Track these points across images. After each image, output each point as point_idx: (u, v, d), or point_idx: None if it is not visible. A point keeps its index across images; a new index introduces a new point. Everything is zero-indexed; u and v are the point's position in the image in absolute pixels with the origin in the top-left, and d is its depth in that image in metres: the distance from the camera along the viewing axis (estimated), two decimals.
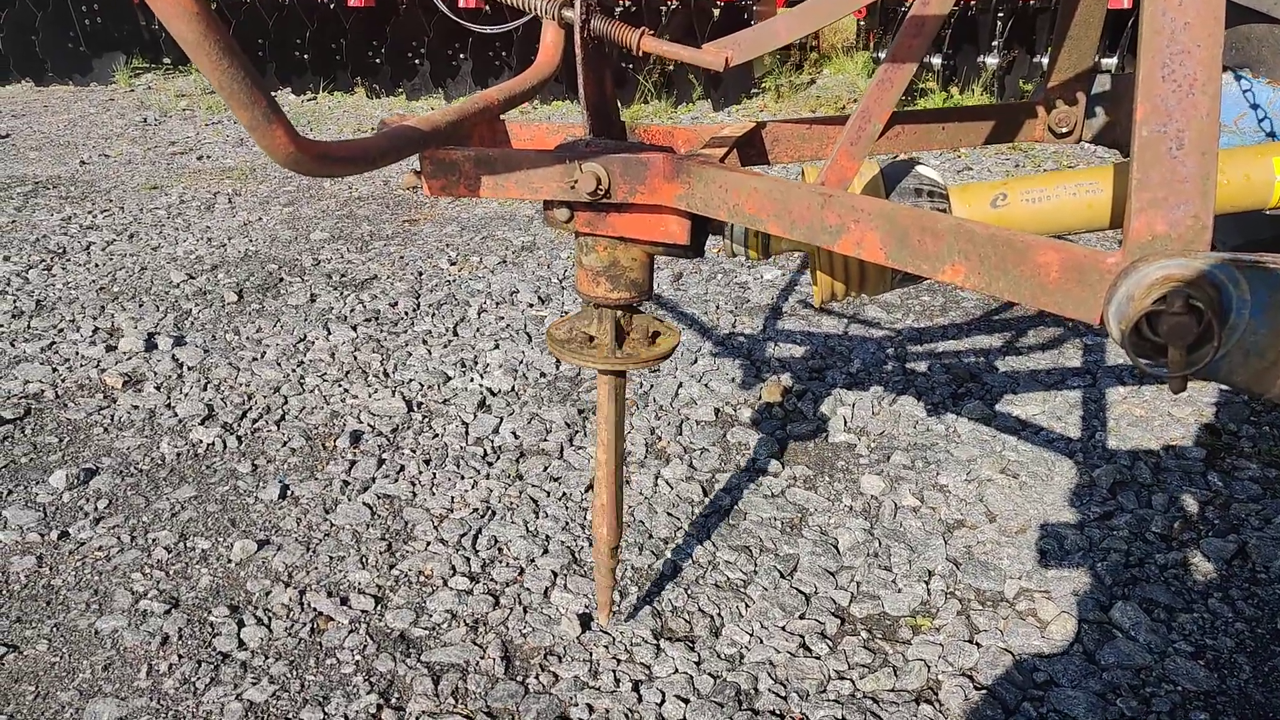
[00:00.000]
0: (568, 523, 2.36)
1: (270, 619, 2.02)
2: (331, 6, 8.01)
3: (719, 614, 2.05)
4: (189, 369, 3.17)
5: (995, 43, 7.07)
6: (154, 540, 2.28)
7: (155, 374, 3.13)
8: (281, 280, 3.98)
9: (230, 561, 2.20)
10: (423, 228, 4.70)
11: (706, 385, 3.04)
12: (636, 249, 1.60)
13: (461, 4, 7.43)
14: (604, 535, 1.81)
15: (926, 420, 2.82)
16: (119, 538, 2.29)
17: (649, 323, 1.72)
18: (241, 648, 1.94)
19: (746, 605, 2.08)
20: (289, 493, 2.49)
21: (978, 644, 1.95)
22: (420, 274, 4.05)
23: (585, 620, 2.02)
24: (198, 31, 1.01)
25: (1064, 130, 1.83)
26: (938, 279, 1.14)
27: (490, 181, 1.53)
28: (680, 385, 3.03)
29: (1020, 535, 2.28)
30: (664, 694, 1.84)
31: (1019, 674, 1.86)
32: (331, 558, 2.22)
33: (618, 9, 7.46)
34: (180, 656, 1.92)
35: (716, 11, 7.57)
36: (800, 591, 2.12)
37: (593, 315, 1.69)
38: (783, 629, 2.00)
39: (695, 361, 3.20)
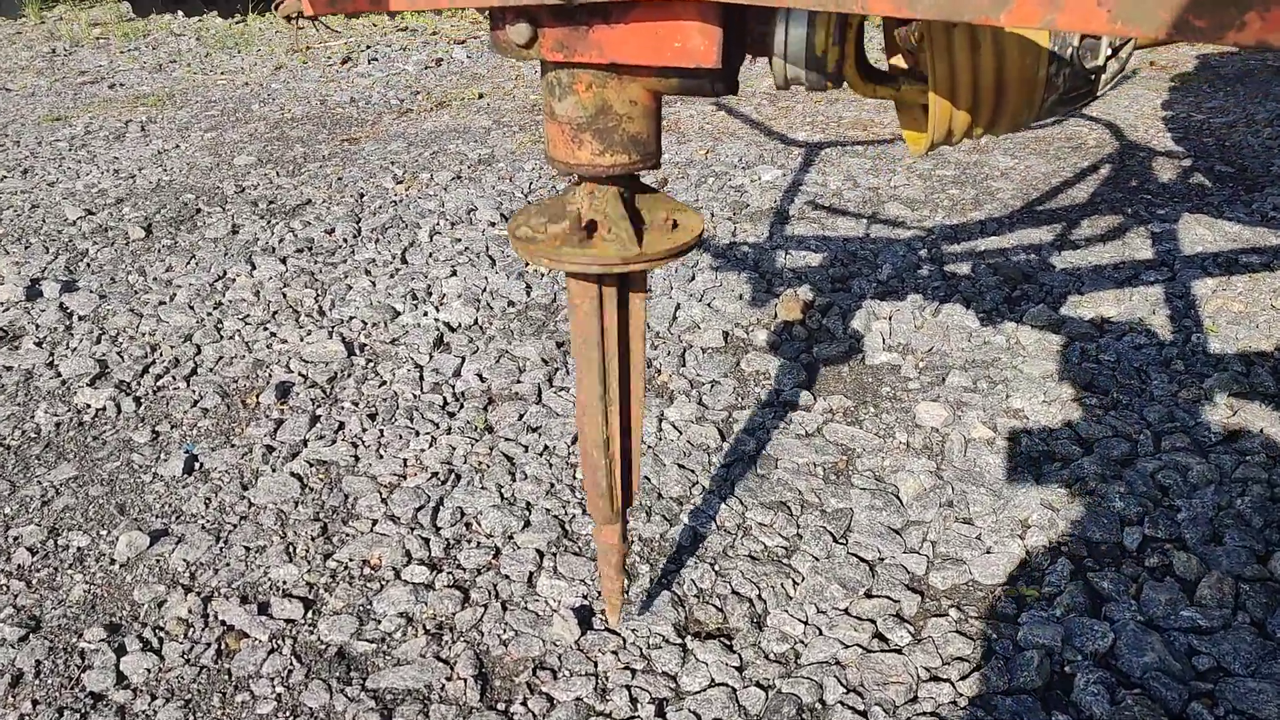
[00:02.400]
0: (552, 484, 1.85)
1: (162, 641, 1.50)
2: None
3: (759, 597, 1.56)
4: (79, 319, 2.60)
5: None
6: (15, 539, 1.75)
7: (37, 327, 2.56)
8: (199, 211, 3.38)
9: (113, 562, 1.68)
10: (364, 146, 4.09)
11: (710, 305, 2.52)
12: (636, 85, 1.05)
13: None
14: (611, 515, 1.29)
15: (981, 331, 2.32)
16: None
17: (661, 201, 1.18)
18: (120, 684, 1.43)
19: (794, 583, 1.59)
20: (197, 466, 1.96)
21: (1108, 619, 1.47)
22: (361, 196, 3.46)
23: (585, 616, 1.52)
24: None
25: None
26: (1225, 41, 0.62)
27: None
28: (678, 306, 2.51)
29: (1128, 467, 1.80)
30: (699, 717, 1.35)
31: (1174, 660, 1.39)
32: (248, 549, 1.70)
33: None
34: (35, 703, 1.40)
35: None
36: (861, 559, 1.63)
37: (578, 194, 1.15)
38: (846, 613, 1.52)
39: (693, 278, 2.67)
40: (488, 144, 4.00)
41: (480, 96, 4.88)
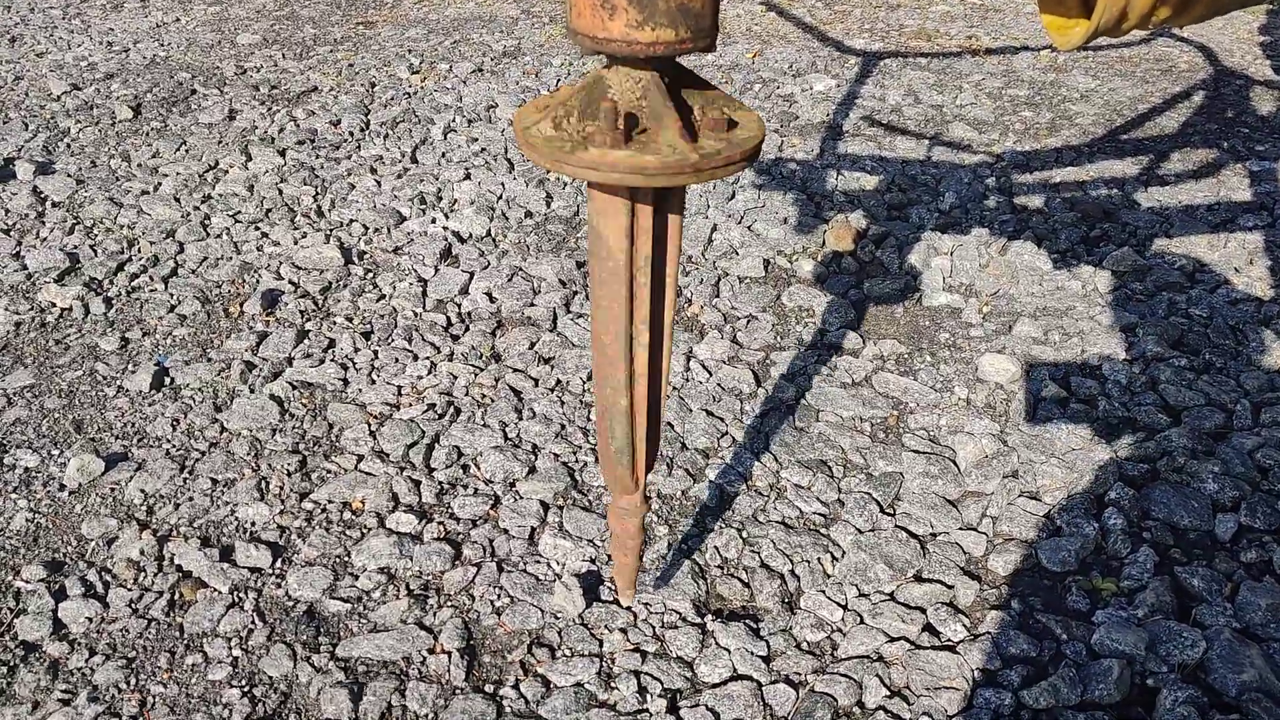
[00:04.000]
0: (563, 425, 1.63)
1: (108, 586, 1.32)
2: None
3: (792, 572, 1.35)
4: (53, 205, 2.37)
5: None
6: None
7: (6, 212, 2.33)
8: (194, 93, 3.11)
9: (63, 488, 1.48)
10: (380, 30, 3.78)
11: (750, 229, 2.26)
12: None
13: None
14: (628, 480, 1.07)
15: (1054, 275, 2.06)
16: None
17: (709, 95, 0.92)
18: (57, 634, 1.25)
19: (833, 558, 1.38)
20: (167, 380, 1.75)
21: (1199, 624, 1.26)
22: (373, 85, 3.18)
23: (591, 584, 1.32)
24: None
25: None
26: None
27: None
28: (715, 228, 2.25)
29: (1222, 443, 1.56)
30: (718, 716, 1.16)
31: (1277, 679, 1.18)
32: (215, 482, 1.50)
33: None
34: None
35: None
36: (911, 534, 1.41)
37: (609, 82, 0.89)
38: (891, 598, 1.31)
39: (733, 196, 2.41)
40: (514, 35, 3.68)
41: None
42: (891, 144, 2.66)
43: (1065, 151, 2.60)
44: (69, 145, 2.70)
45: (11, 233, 2.24)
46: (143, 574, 1.33)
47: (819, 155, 2.61)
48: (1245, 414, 1.62)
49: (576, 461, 1.55)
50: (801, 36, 3.60)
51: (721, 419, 1.65)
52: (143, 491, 1.47)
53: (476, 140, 2.75)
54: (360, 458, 1.55)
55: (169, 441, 1.59)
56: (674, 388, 1.73)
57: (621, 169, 0.84)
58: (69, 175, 2.51)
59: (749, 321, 1.93)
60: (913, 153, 2.61)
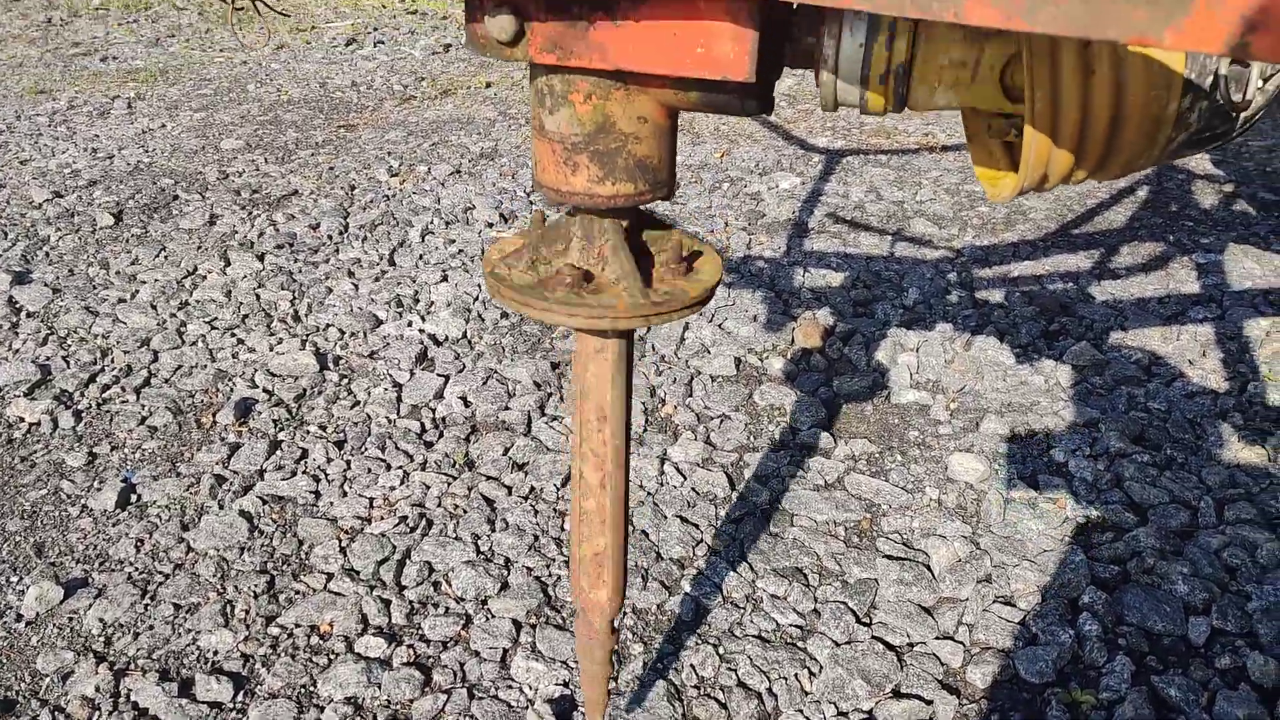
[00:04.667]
0: (536, 536, 1.63)
1: None
2: None
3: (769, 690, 1.34)
4: (28, 315, 2.38)
5: None
6: None
7: None
8: (176, 198, 3.16)
9: (19, 618, 1.46)
10: (361, 134, 3.86)
11: (721, 326, 2.30)
12: (646, 97, 0.84)
13: None
14: (601, 602, 1.07)
15: (1017, 369, 2.10)
16: None
17: (670, 235, 0.96)
18: None
19: (810, 673, 1.37)
20: (134, 498, 1.74)
21: None
22: (352, 188, 3.24)
23: (564, 710, 1.31)
24: None
25: None
26: None
27: None
28: (687, 327, 2.29)
29: (1189, 541, 1.58)
30: None
31: None
32: (178, 607, 1.48)
33: None
34: None
35: None
36: (888, 645, 1.41)
37: (572, 230, 0.93)
38: (870, 716, 1.30)
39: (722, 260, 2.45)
40: (491, 137, 3.78)
41: (488, 85, 4.64)
42: (856, 240, 2.73)
43: (1021, 246, 2.67)
44: (48, 254, 2.73)
45: None
46: (97, 712, 1.30)
47: (786, 253, 2.67)
48: (1209, 511, 1.65)
49: (549, 575, 1.54)
50: (767, 135, 3.71)
51: (697, 525, 1.66)
52: (101, 620, 1.45)
53: (454, 242, 2.79)
54: (330, 576, 1.54)
55: (132, 564, 1.57)
56: (649, 493, 1.73)
57: (580, 315, 0.87)
58: (46, 284, 2.52)
59: (722, 421, 1.95)
60: (876, 249, 2.67)
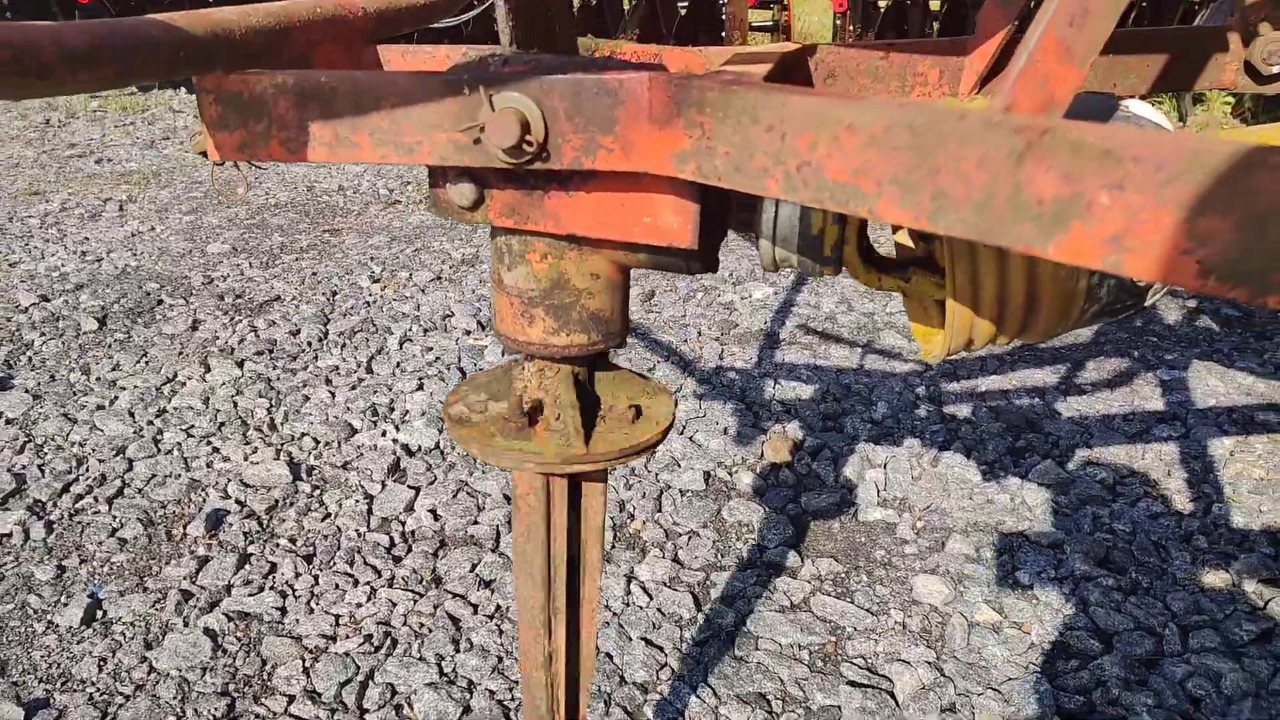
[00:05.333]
0: (500, 658, 1.63)
1: None
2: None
3: None
4: (6, 422, 2.40)
5: None
6: None
7: None
8: (160, 303, 3.21)
9: None
10: (345, 239, 3.95)
11: (692, 439, 2.33)
12: (599, 257, 0.89)
13: None
14: None
15: (984, 487, 2.13)
16: None
17: (621, 382, 1.00)
18: None
19: None
20: (99, 614, 1.73)
21: None
22: (334, 294, 3.30)
23: None
24: None
25: (1274, 70, 1.15)
26: None
27: (325, 133, 0.81)
28: None
29: (1154, 671, 1.59)
30: None
31: None
32: None
33: (578, 0, 6.76)
34: None
35: (683, 9, 6.93)
36: None
37: (527, 375, 0.97)
38: None
39: (675, 405, 2.49)
40: (473, 243, 3.87)
41: None
42: (826, 352, 2.79)
43: (989, 360, 2.74)
44: (30, 359, 2.75)
45: None
46: None
47: (758, 364, 2.73)
48: (1174, 638, 1.66)
49: (512, 700, 1.53)
50: (741, 244, 3.82)
51: (661, 648, 1.66)
52: None
53: (431, 350, 2.84)
54: (291, 699, 1.53)
55: (94, 685, 1.56)
56: (614, 614, 1.74)
57: (521, 459, 0.91)
58: (26, 390, 2.54)
59: (690, 538, 1.97)
60: (846, 361, 2.73)
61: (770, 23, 8.95)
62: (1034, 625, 1.69)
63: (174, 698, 1.53)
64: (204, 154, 0.90)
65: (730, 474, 2.20)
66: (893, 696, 1.55)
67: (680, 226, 0.80)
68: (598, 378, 0.99)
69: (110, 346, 2.86)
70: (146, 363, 2.75)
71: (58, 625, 1.69)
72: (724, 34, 6.81)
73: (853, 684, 1.57)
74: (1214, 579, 1.80)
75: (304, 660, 1.62)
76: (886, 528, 2.00)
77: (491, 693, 1.54)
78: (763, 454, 2.27)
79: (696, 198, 0.79)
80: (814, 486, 2.14)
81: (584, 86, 0.73)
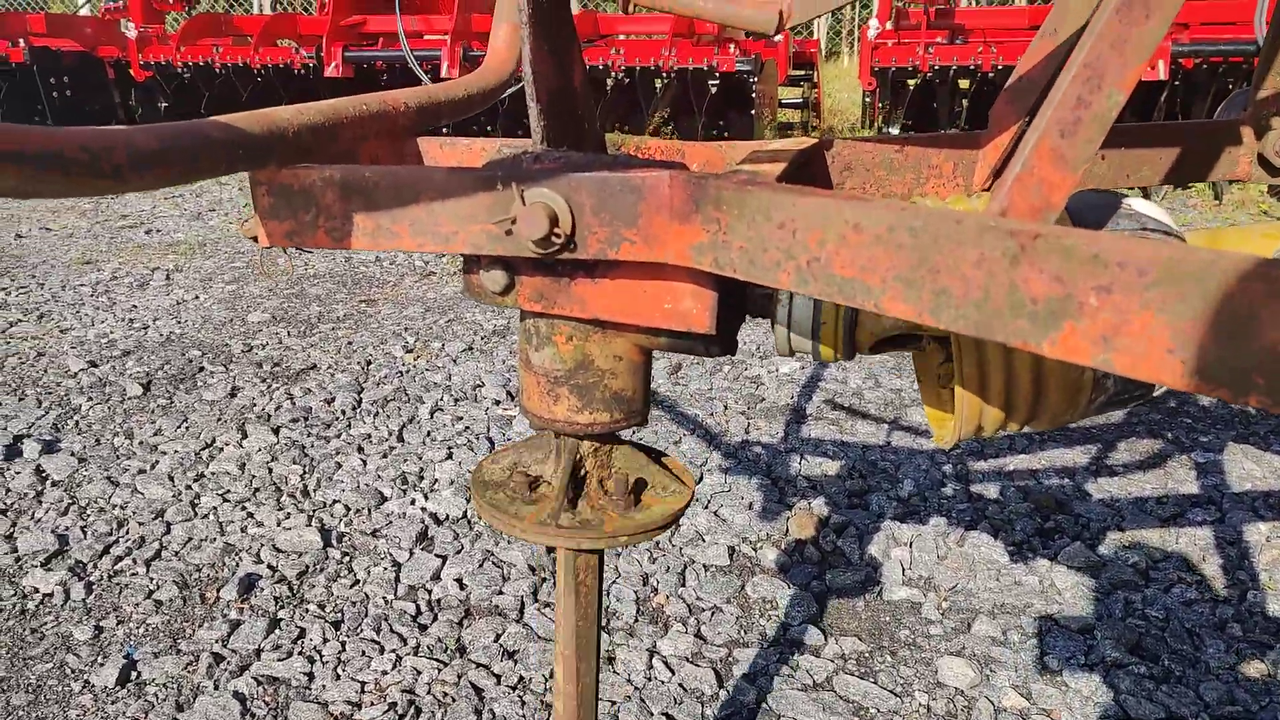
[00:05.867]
0: None
1: None
2: (309, 77, 7.55)
3: None
4: (52, 484, 2.47)
5: None
6: None
7: (7, 491, 2.42)
8: (201, 369, 3.30)
9: None
10: (380, 309, 4.05)
11: (717, 514, 2.34)
12: (622, 340, 0.93)
13: (444, 74, 6.96)
14: None
15: (1011, 569, 2.12)
16: None
17: (634, 461, 1.03)
18: None
19: None
20: (134, 674, 1.76)
21: None
22: (368, 363, 3.38)
23: None
24: None
25: None
26: None
27: (368, 224, 0.87)
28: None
29: None
30: None
31: None
32: None
33: (611, 79, 6.97)
34: None
35: (714, 86, 7.11)
36: None
37: (548, 446, 1.01)
38: None
39: (701, 479, 2.51)
40: (505, 315, 3.95)
41: None
42: (853, 428, 2.81)
43: (1017, 439, 2.73)
44: (77, 423, 2.84)
45: (8, 513, 2.32)
46: None
47: (784, 439, 2.75)
48: None
49: None
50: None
51: None
52: None
53: (461, 419, 2.89)
54: None
55: None
56: (635, 688, 1.74)
57: (531, 533, 0.95)
58: (72, 454, 2.62)
59: (713, 614, 1.97)
60: (873, 437, 2.74)
61: (800, 100, 9.14)
62: (1063, 713, 1.67)
63: None
64: (254, 239, 0.96)
65: (755, 549, 2.20)
66: None
67: (699, 313, 0.85)
68: (618, 453, 1.03)
69: (153, 412, 2.94)
70: (187, 428, 2.83)
71: (94, 685, 1.72)
72: (754, 111, 6.96)
73: None
74: (1249, 669, 1.77)
75: None
76: (911, 607, 1.99)
77: None
78: (788, 530, 2.27)
79: (715, 286, 0.84)
80: (839, 564, 2.14)
81: (609, 183, 0.78)
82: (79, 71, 8.84)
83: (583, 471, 0.98)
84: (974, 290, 0.61)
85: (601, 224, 0.79)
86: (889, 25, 7.25)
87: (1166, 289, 0.52)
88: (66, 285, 4.42)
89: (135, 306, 4.07)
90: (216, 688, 1.73)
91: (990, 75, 6.56)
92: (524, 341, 0.96)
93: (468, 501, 2.40)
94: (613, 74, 7.00)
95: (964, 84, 6.94)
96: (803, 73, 8.88)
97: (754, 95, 6.94)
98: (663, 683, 1.76)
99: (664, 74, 6.95)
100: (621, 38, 7.57)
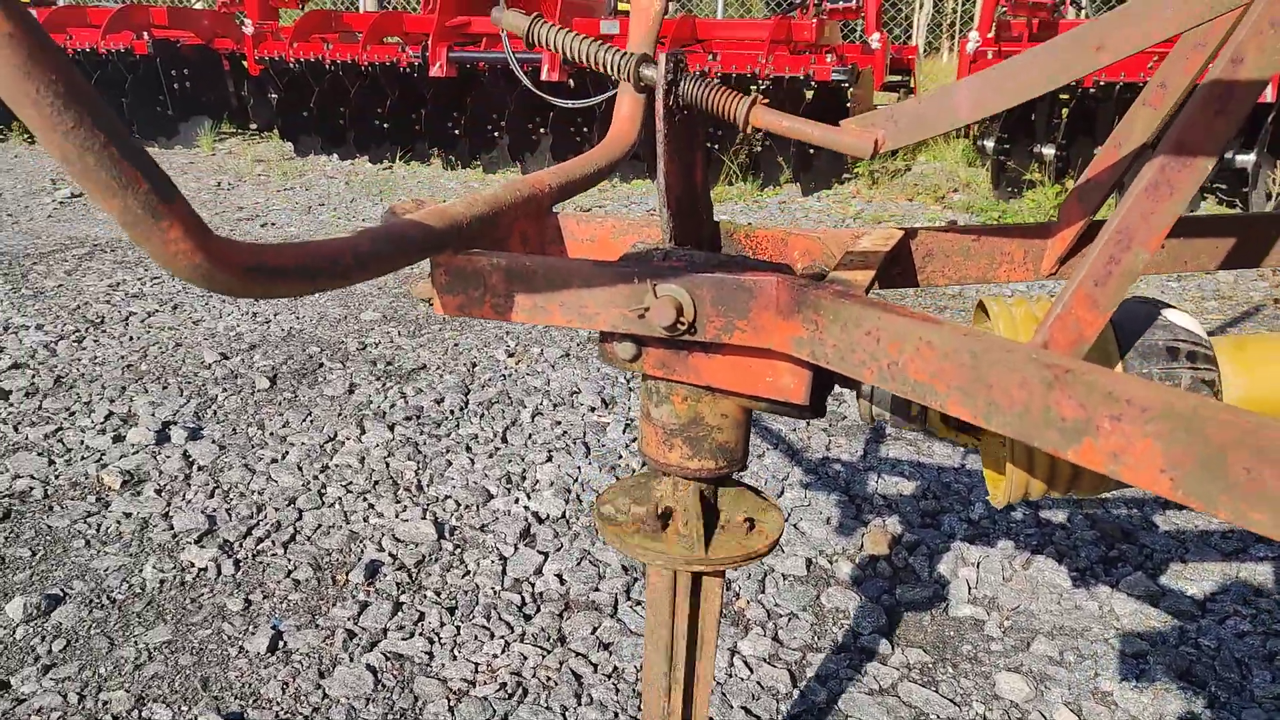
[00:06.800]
0: (617, 714, 1.85)
1: None
2: (414, 76, 7.89)
3: None
4: (199, 469, 2.78)
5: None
6: (105, 704, 1.84)
7: (160, 473, 2.74)
8: (321, 365, 3.61)
9: None
10: None
11: (796, 527, 2.52)
12: (729, 401, 1.12)
13: (544, 77, 7.21)
14: None
15: (1073, 593, 2.25)
16: (65, 696, 1.86)
17: (744, 500, 1.23)
18: None
19: None
20: (281, 644, 2.03)
21: None
22: (473, 365, 3.64)
23: None
24: (12, 64, 0.59)
25: None
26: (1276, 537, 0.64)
27: (527, 302, 1.08)
28: None
29: None
30: None
31: None
32: None
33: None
34: None
35: (809, 93, 7.20)
36: None
37: (664, 486, 1.21)
38: None
39: (781, 493, 2.69)
40: None
41: None
42: (929, 450, 2.95)
43: None
44: (215, 412, 3.16)
45: (163, 493, 2.63)
46: None
47: (862, 457, 2.90)
48: None
49: None
50: None
51: (759, 717, 1.85)
52: None
53: (559, 424, 3.12)
54: None
55: (278, 705, 1.85)
56: (717, 683, 1.94)
57: (651, 557, 1.14)
58: (214, 441, 2.94)
59: (790, 620, 2.15)
60: (948, 460, 2.88)
61: None
62: None
63: None
64: (426, 301, 1.18)
65: (830, 562, 2.38)
66: None
67: (796, 387, 1.04)
68: (721, 493, 1.22)
69: (280, 405, 3.25)
70: (311, 421, 3.12)
71: (247, 651, 2.00)
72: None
73: None
74: None
75: (449, 700, 1.87)
76: (975, 624, 2.15)
77: None
78: (862, 545, 2.44)
79: (810, 366, 1.02)
80: (909, 580, 2.30)
81: (726, 283, 0.98)
82: (197, 64, 9.36)
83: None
84: (1017, 405, 0.78)
85: (719, 315, 0.99)
86: (990, 35, 7.22)
87: (1162, 424, 0.70)
88: None
89: (255, 301, 4.41)
90: (351, 660, 1.99)
91: (1091, 91, 6.51)
92: (645, 398, 1.16)
93: (566, 503, 2.62)
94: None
95: (1064, 97, 6.89)
96: (900, 77, 8.89)
97: (849, 105, 7.01)
98: (742, 680, 1.95)
99: (759, 80, 7.07)
100: (719, 43, 7.70)
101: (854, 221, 6.48)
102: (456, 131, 7.94)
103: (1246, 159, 5.89)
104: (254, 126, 9.85)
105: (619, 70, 1.10)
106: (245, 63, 9.07)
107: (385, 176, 7.92)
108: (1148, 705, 1.88)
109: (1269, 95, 5.64)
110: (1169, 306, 1.01)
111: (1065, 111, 6.84)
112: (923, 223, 6.39)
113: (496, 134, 7.83)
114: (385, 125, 8.11)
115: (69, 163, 0.64)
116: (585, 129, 7.51)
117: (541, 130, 7.61)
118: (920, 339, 0.85)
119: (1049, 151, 6.69)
